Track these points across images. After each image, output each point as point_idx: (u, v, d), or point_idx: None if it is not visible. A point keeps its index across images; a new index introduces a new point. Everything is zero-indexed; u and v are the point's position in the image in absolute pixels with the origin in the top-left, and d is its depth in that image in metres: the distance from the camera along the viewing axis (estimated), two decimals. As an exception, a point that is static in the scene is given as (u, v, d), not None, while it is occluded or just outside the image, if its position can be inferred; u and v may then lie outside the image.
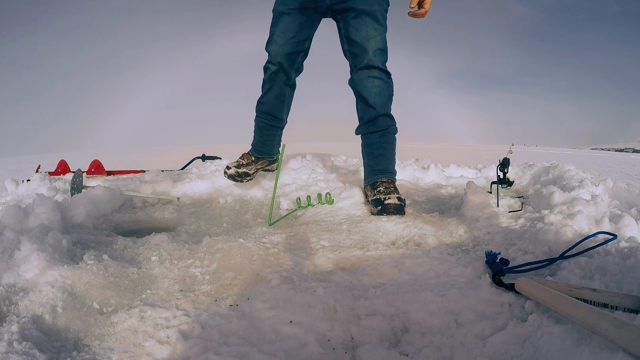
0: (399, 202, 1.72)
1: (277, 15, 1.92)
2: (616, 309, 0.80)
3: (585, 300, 0.82)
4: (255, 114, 2.17)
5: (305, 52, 2.00)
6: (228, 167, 2.14)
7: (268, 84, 2.04)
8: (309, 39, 1.96)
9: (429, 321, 0.91)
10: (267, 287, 1.04)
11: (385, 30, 1.87)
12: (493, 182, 2.10)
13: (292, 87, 2.11)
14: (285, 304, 0.96)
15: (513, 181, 2.41)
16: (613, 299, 0.81)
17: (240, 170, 2.13)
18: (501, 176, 2.08)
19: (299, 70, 2.06)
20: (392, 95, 1.92)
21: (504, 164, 2.10)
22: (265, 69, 2.02)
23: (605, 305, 0.82)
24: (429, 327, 0.90)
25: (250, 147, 2.26)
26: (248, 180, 2.17)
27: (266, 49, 1.98)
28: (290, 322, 0.90)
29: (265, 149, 2.22)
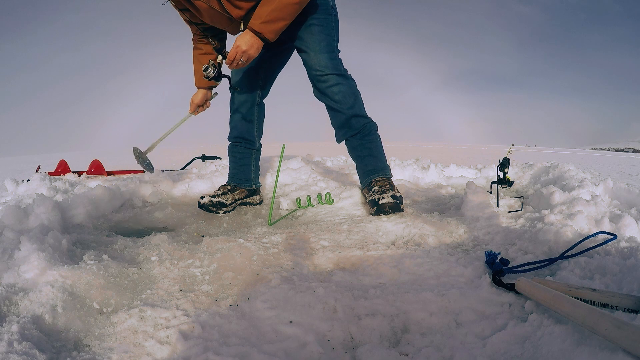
0: (393, 200, 1.71)
1: None
2: (616, 309, 0.80)
3: (585, 300, 0.82)
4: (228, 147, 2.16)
5: (263, 80, 2.03)
6: (202, 197, 2.02)
7: (234, 104, 2.07)
8: (265, 54, 1.96)
9: (429, 321, 0.91)
10: (267, 287, 1.04)
11: (329, 37, 1.84)
12: (493, 182, 2.10)
13: (260, 105, 2.09)
14: (285, 304, 0.96)
15: (513, 181, 2.41)
16: (613, 299, 0.81)
17: (214, 200, 1.99)
18: (501, 176, 2.09)
19: (263, 91, 2.07)
20: (357, 93, 1.89)
21: (504, 164, 2.10)
22: (230, 91, 2.06)
23: (605, 305, 0.82)
24: (429, 327, 0.90)
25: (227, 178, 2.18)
26: (225, 212, 2.01)
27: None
28: (290, 322, 0.90)
29: (241, 175, 2.12)
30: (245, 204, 2.15)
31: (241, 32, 1.67)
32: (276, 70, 2.09)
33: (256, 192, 2.19)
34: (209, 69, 1.75)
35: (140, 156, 2.16)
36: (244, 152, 2.12)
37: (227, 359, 0.77)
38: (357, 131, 1.89)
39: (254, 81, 2.03)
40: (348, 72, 1.88)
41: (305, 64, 1.88)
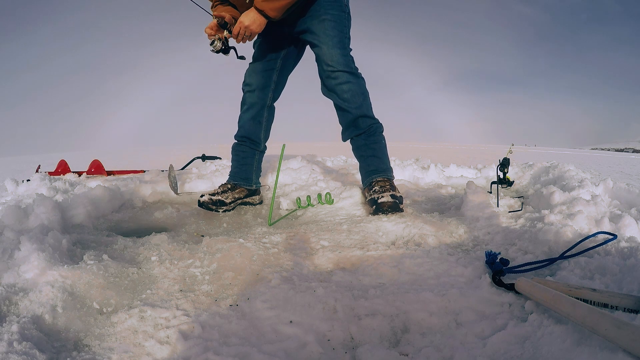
0: (392, 200, 1.72)
1: (254, 46, 2.09)
2: (616, 309, 0.80)
3: (585, 300, 0.82)
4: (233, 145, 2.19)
5: (275, 83, 2.06)
6: (202, 195, 2.01)
7: (245, 104, 2.09)
8: (279, 57, 2.03)
9: (429, 321, 0.91)
10: (267, 287, 1.04)
11: (342, 34, 1.87)
12: (493, 182, 2.10)
13: (270, 109, 2.11)
14: (285, 304, 0.96)
15: (513, 181, 2.41)
16: (613, 299, 0.81)
17: (214, 198, 1.98)
18: (501, 176, 2.09)
19: (275, 92, 2.09)
20: (366, 92, 1.91)
21: (504, 164, 2.10)
22: (243, 91, 2.11)
23: (605, 305, 0.82)
24: (429, 327, 0.90)
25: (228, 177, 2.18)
26: (225, 211, 2.01)
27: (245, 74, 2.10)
28: (290, 322, 0.90)
29: (242, 174, 2.12)
30: (245, 203, 2.15)
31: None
32: (288, 72, 2.12)
33: (256, 192, 2.19)
34: (215, 43, 1.80)
35: (174, 177, 2.28)
36: (248, 152, 2.12)
37: (227, 359, 0.77)
38: (362, 131, 1.91)
39: (267, 84, 2.05)
40: (359, 71, 1.90)
41: (317, 58, 1.91)
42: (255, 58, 2.05)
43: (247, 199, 2.15)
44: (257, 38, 2.05)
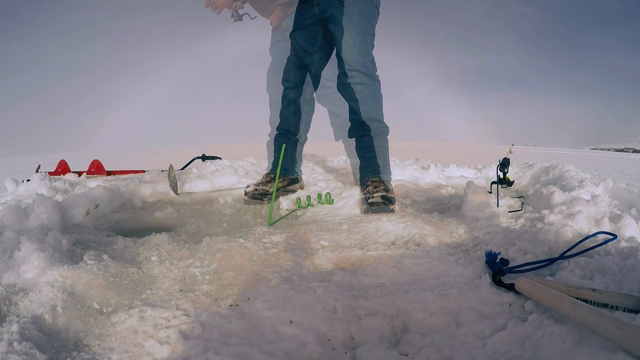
0: (382, 201, 1.75)
1: (291, 38, 2.12)
2: (616, 309, 0.80)
3: (585, 300, 0.82)
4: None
5: (316, 64, 2.10)
6: (248, 186, 2.14)
7: (285, 99, 2.17)
8: (315, 52, 2.08)
9: (429, 321, 0.91)
10: (267, 287, 1.04)
11: (366, 30, 1.90)
12: (493, 182, 2.10)
13: (310, 102, 2.18)
14: (285, 304, 0.96)
15: (513, 181, 2.41)
16: (613, 299, 0.82)
17: (259, 189, 2.10)
18: (501, 176, 2.08)
19: (314, 85, 2.14)
20: (379, 97, 1.96)
21: (504, 164, 2.10)
22: (283, 86, 2.18)
23: (605, 305, 0.82)
24: (429, 327, 0.90)
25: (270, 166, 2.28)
26: (269, 200, 2.11)
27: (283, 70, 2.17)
28: (290, 322, 0.90)
29: (281, 165, 2.16)
30: (288, 191, 2.23)
31: None
32: (324, 64, 2.17)
33: (296, 180, 2.27)
34: None
35: (174, 177, 2.30)
36: (287, 144, 2.17)
37: (227, 359, 0.77)
38: (368, 133, 1.97)
39: (306, 79, 2.11)
40: (376, 73, 1.93)
41: (337, 52, 1.96)
42: (294, 54, 2.11)
43: (290, 187, 2.22)
44: (294, 31, 2.10)
